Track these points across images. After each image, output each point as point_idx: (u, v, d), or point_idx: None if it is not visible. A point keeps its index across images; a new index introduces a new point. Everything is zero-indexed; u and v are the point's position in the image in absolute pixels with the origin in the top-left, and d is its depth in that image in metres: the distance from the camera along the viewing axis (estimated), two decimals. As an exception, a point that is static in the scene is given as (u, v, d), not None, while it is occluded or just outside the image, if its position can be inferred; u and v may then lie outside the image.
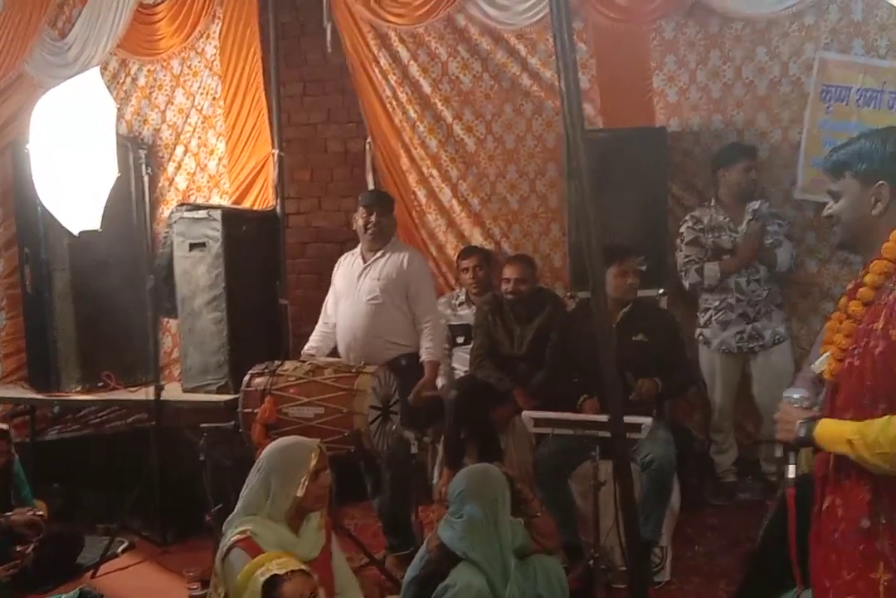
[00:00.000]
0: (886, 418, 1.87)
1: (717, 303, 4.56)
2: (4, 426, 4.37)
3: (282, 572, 2.33)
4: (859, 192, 2.04)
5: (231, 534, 2.84)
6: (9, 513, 4.04)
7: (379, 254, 4.56)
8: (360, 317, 4.49)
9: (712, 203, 4.62)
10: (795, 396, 2.16)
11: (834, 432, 1.97)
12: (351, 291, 4.56)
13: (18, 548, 3.94)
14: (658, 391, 3.99)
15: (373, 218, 4.52)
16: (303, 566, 2.42)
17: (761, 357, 4.58)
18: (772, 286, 4.54)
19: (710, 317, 4.59)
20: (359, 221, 4.59)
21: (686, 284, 4.60)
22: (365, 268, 4.56)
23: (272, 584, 2.31)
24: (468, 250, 5.07)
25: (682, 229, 4.62)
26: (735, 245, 4.53)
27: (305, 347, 4.67)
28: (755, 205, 4.54)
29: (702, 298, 4.65)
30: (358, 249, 4.68)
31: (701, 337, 4.65)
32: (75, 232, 4.20)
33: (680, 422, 4.77)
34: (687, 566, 4.00)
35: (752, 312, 4.52)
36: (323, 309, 4.76)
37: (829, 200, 2.14)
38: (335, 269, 4.77)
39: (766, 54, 4.62)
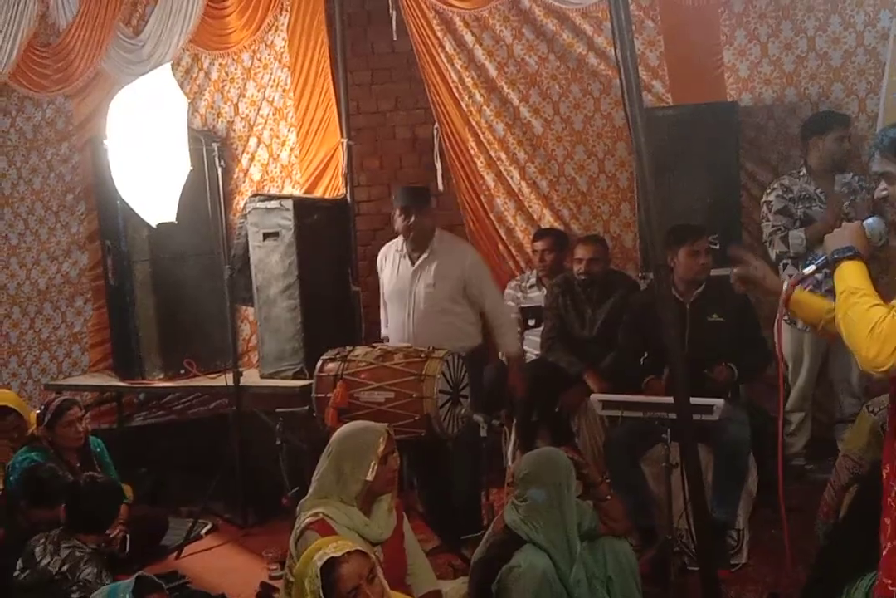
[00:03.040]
0: (873, 305, 1.90)
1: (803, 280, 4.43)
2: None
3: (338, 554, 2.37)
4: None
5: (304, 517, 2.91)
6: None
7: (427, 254, 4.33)
8: (417, 324, 4.32)
9: (802, 172, 4.46)
10: (872, 223, 2.12)
11: (846, 275, 2.01)
12: (403, 296, 4.36)
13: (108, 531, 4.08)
14: (734, 378, 3.93)
15: (412, 220, 4.27)
16: (359, 547, 2.47)
17: (843, 337, 4.46)
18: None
19: None
20: (397, 221, 4.34)
21: (772, 254, 4.44)
22: (416, 271, 4.35)
23: (330, 567, 2.36)
24: (541, 233, 5.04)
25: (771, 197, 4.46)
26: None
27: (383, 332, 4.68)
28: (846, 177, 4.42)
29: (785, 274, 4.51)
30: (401, 245, 4.43)
31: (787, 317, 4.52)
32: (153, 224, 4.34)
33: (757, 403, 4.69)
34: (765, 548, 3.94)
35: None
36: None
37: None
38: (380, 263, 4.59)
39: (840, 24, 4.50)
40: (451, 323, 4.32)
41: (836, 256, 2.05)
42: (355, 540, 2.75)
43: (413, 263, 4.37)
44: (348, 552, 2.40)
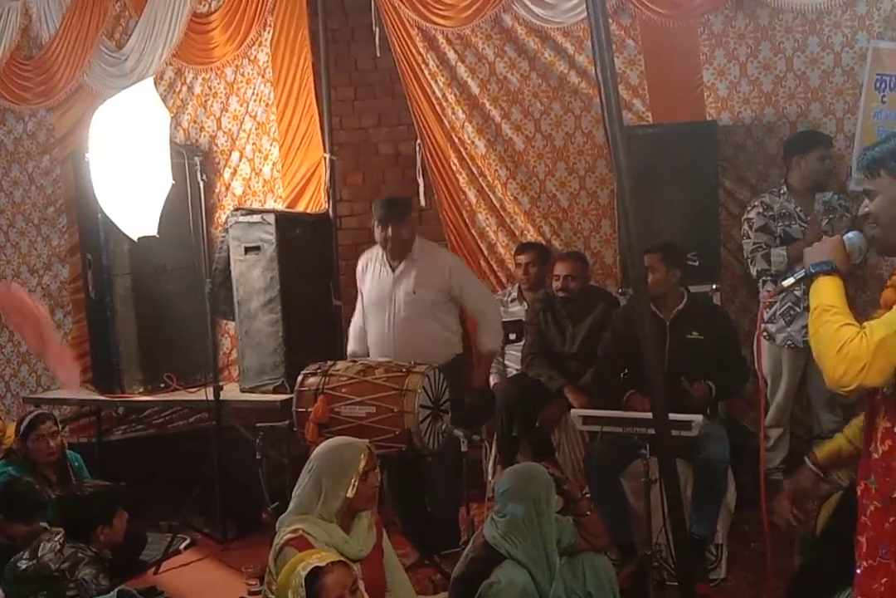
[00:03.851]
0: (844, 324, 1.92)
1: (782, 296, 4.46)
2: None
3: (322, 563, 2.38)
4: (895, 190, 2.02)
5: (284, 533, 2.90)
6: None
7: (406, 263, 4.32)
8: (397, 332, 4.29)
9: (782, 190, 4.51)
10: (853, 237, 2.14)
11: (821, 291, 2.02)
12: (383, 303, 4.34)
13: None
14: (711, 395, 3.96)
15: (389, 232, 4.26)
16: (342, 558, 2.48)
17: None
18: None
19: (776, 311, 4.50)
20: (377, 233, 4.33)
21: (753, 271, 4.50)
22: (396, 279, 4.33)
23: (314, 577, 2.37)
24: (524, 246, 5.07)
25: (752, 215, 4.50)
26: (805, 235, 4.42)
27: (348, 351, 4.61)
28: (826, 196, 4.47)
29: (764, 291, 4.57)
30: (379, 254, 4.42)
31: (765, 333, 4.56)
32: (134, 238, 4.34)
33: (736, 418, 4.72)
34: (743, 563, 3.97)
35: None
36: (356, 312, 4.64)
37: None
38: (359, 272, 4.55)
39: (818, 45, 4.56)
40: (431, 331, 4.30)
41: (812, 271, 2.07)
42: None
43: (393, 271, 4.35)
44: (332, 563, 2.41)
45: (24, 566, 3.39)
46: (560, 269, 4.64)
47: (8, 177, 5.88)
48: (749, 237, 4.52)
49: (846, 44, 4.51)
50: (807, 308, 4.44)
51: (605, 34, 2.94)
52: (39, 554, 3.40)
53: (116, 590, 2.65)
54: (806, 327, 4.35)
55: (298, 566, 2.40)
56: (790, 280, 2.22)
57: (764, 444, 4.64)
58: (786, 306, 4.50)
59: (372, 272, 4.45)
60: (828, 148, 4.46)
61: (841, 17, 4.48)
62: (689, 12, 4.69)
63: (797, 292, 4.41)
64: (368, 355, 4.40)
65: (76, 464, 4.47)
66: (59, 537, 3.47)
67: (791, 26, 4.60)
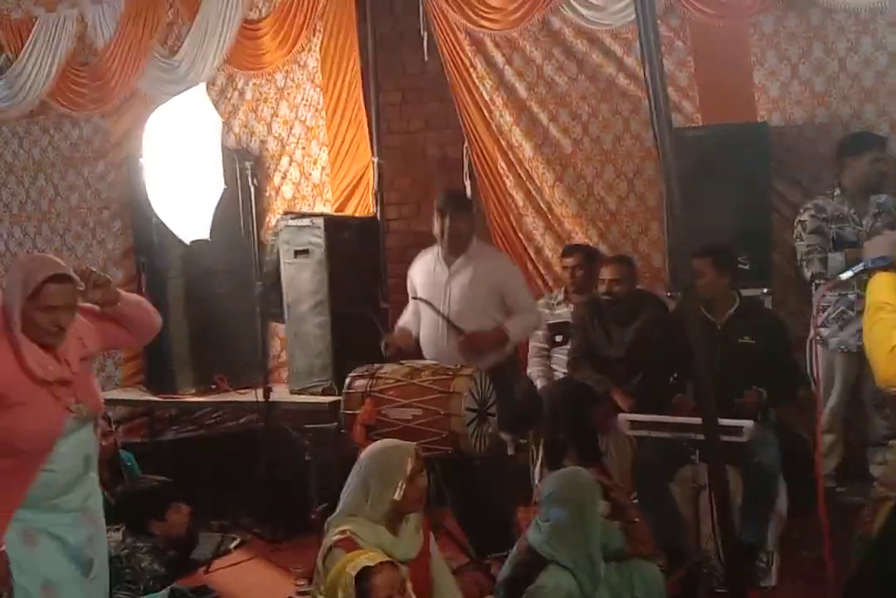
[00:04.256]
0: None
1: (835, 299, 4.40)
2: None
3: (372, 563, 2.40)
4: None
5: (332, 534, 2.93)
6: None
7: (462, 259, 4.23)
8: (447, 328, 4.19)
9: (836, 192, 4.43)
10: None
11: (877, 287, 2.00)
12: (437, 299, 4.22)
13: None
14: (761, 401, 3.90)
15: (447, 221, 4.18)
16: (391, 559, 2.49)
17: (876, 359, 4.42)
18: None
19: (829, 315, 4.44)
20: (435, 225, 4.26)
21: (807, 274, 4.42)
22: (451, 276, 4.25)
23: (363, 577, 2.38)
24: (570, 249, 5.02)
25: (805, 217, 4.43)
26: (859, 237, 4.31)
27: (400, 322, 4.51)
28: (881, 198, 4.38)
29: (817, 295, 4.50)
30: (437, 252, 4.33)
31: (818, 337, 4.48)
32: (187, 241, 4.41)
33: (789, 424, 4.65)
34: (794, 571, 3.91)
35: None
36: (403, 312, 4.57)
37: None
38: (412, 269, 4.45)
39: (872, 45, 4.50)
40: (484, 328, 4.18)
41: (871, 265, 2.05)
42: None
43: (449, 268, 4.29)
44: (382, 563, 2.42)
45: None
46: (606, 273, 4.60)
47: (64, 181, 6.03)
48: (802, 240, 4.45)
49: (901, 43, 4.44)
50: (860, 312, 4.39)
51: (653, 36, 2.92)
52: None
53: (169, 588, 2.70)
54: (860, 331, 4.32)
55: (348, 565, 2.42)
56: (848, 274, 2.19)
57: (821, 452, 4.58)
58: (839, 310, 4.42)
59: (426, 268, 4.36)
60: (881, 150, 4.37)
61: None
62: (739, 13, 4.64)
63: (851, 296, 4.34)
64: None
65: (128, 463, 4.54)
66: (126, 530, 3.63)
67: (844, 26, 4.54)
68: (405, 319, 4.48)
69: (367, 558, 2.43)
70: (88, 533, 2.78)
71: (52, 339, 2.64)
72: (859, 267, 2.12)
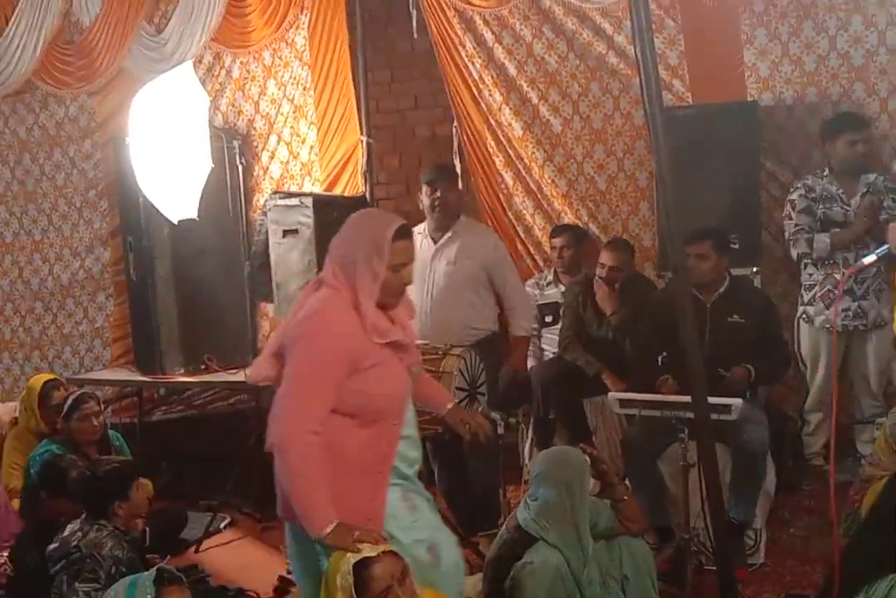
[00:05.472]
0: None
1: (822, 278, 4.43)
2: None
3: (373, 554, 2.39)
4: None
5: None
6: None
7: (450, 234, 4.31)
8: (435, 303, 4.29)
9: (825, 172, 4.44)
10: None
11: None
12: (422, 274, 4.25)
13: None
14: (750, 379, 3.91)
15: (438, 194, 4.26)
16: (393, 548, 2.48)
17: (862, 338, 4.44)
18: (882, 264, 4.35)
19: (815, 294, 4.46)
20: (424, 199, 4.33)
21: (794, 253, 4.45)
22: (438, 250, 4.33)
23: (362, 565, 2.37)
24: (559, 229, 5.03)
25: (794, 196, 4.45)
26: (846, 218, 4.36)
27: None
28: (870, 177, 4.38)
29: (805, 274, 4.52)
30: (424, 228, 4.40)
31: (804, 315, 4.51)
32: (175, 221, 4.40)
33: (776, 403, 4.68)
34: (782, 548, 3.95)
35: (858, 289, 4.36)
36: None
37: None
38: None
39: (862, 23, 4.46)
40: (469, 304, 4.29)
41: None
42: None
43: (435, 243, 4.35)
44: (382, 553, 2.41)
45: (52, 548, 3.41)
46: (605, 258, 4.55)
47: (50, 161, 5.97)
48: (791, 219, 4.46)
49: (891, 22, 4.40)
50: (846, 292, 4.41)
51: (644, 14, 2.90)
52: (65, 533, 3.42)
53: (156, 568, 2.68)
54: (845, 310, 4.36)
55: (349, 553, 2.40)
56: (871, 257, 2.18)
57: (836, 430, 4.58)
58: (825, 289, 4.44)
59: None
60: (858, 132, 4.34)
61: (886, -6, 4.39)
62: (730, -10, 4.62)
63: (836, 276, 4.36)
64: None
65: (117, 443, 4.53)
66: (84, 518, 3.47)
67: (834, 4, 4.50)
68: None
69: (369, 548, 2.41)
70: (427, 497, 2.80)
71: (398, 298, 2.58)
72: (883, 250, 2.10)
